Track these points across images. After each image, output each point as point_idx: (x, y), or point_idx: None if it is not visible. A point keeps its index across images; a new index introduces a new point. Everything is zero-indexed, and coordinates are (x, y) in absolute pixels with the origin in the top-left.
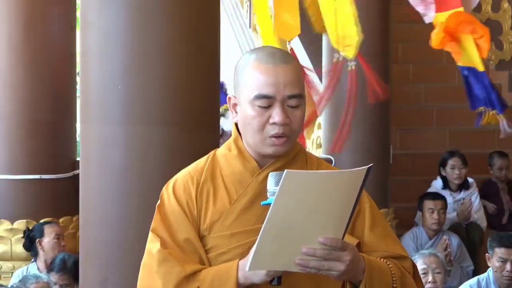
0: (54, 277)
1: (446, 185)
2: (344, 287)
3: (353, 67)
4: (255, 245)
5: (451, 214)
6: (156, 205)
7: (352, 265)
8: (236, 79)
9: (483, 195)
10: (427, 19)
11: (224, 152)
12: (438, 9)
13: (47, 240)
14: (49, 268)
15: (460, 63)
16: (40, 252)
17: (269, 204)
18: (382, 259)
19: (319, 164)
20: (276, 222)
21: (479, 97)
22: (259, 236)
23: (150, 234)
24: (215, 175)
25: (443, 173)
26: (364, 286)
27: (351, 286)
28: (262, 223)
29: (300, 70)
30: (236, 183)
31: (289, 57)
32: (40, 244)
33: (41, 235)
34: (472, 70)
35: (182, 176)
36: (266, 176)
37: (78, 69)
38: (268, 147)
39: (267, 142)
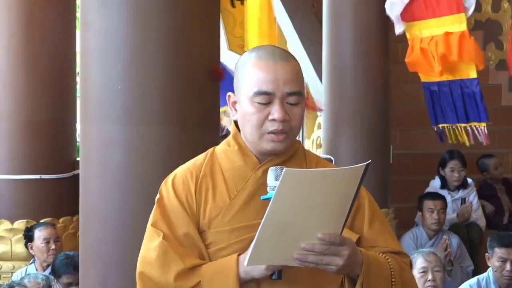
0: (69, 278)
1: (444, 185)
2: (343, 282)
3: None
4: (253, 241)
5: (450, 215)
6: (156, 199)
7: (350, 259)
8: (236, 77)
9: (481, 197)
10: (396, 30)
11: (223, 148)
12: (439, 14)
13: (36, 245)
14: (57, 275)
15: (426, 79)
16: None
17: (268, 199)
18: (381, 254)
19: (318, 162)
20: (275, 218)
21: (442, 112)
22: (257, 232)
23: (150, 229)
24: (215, 171)
25: (442, 173)
26: (362, 280)
27: (349, 280)
28: (262, 218)
29: (300, 68)
30: (236, 178)
31: (289, 55)
32: (31, 248)
33: (32, 238)
34: (449, 83)
35: (181, 171)
36: (265, 171)
37: (78, 69)
38: (266, 143)
39: (265, 138)
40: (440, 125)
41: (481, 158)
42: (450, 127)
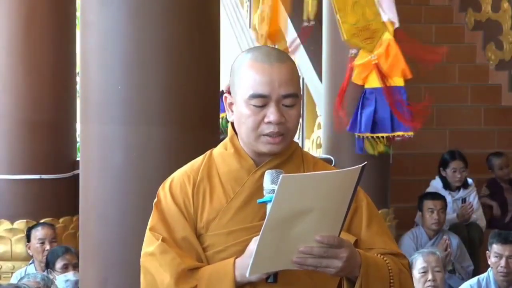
0: (63, 260)
1: (445, 185)
2: (341, 283)
3: (353, 55)
4: (254, 251)
5: (450, 215)
6: (154, 203)
7: (348, 261)
8: (232, 78)
9: (489, 194)
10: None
11: (220, 151)
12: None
13: (32, 245)
14: (51, 264)
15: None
16: None
17: (265, 202)
18: (379, 255)
19: (315, 163)
20: (274, 226)
21: (362, 120)
22: (257, 242)
23: (148, 233)
24: (212, 174)
25: (443, 174)
26: (360, 282)
27: (347, 281)
28: (259, 220)
29: (295, 69)
30: (233, 181)
31: (285, 56)
32: (29, 248)
33: (29, 239)
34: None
35: (179, 175)
36: (262, 174)
37: (78, 69)
38: (263, 145)
39: (261, 140)
40: (361, 134)
41: (490, 155)
42: (370, 137)
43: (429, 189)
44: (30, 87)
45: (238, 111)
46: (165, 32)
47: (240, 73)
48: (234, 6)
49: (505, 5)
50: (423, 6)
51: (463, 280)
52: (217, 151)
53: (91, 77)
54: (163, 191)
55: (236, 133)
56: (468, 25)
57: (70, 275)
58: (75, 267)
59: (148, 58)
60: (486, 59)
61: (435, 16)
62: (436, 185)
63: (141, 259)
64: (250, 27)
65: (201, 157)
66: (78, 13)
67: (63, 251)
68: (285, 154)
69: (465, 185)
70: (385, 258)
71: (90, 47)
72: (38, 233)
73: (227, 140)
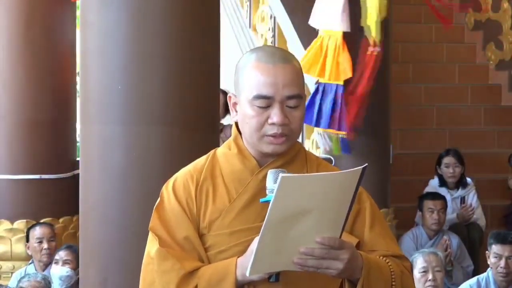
0: (60, 254)
1: (443, 183)
2: (342, 284)
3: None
4: (254, 251)
5: (450, 215)
6: (156, 203)
7: (350, 263)
8: (236, 78)
9: None
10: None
11: (224, 151)
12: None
13: (31, 244)
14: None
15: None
16: None
17: (267, 201)
18: (381, 257)
19: (319, 164)
20: (273, 226)
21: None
22: (257, 242)
23: (150, 234)
24: (215, 174)
25: (439, 172)
26: (362, 284)
27: (349, 283)
28: (262, 221)
29: (300, 69)
30: (236, 182)
31: (289, 57)
32: (28, 248)
33: (28, 239)
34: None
35: (182, 174)
36: (266, 175)
37: (78, 69)
38: (266, 145)
39: (264, 140)
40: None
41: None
42: (327, 134)
43: (427, 188)
44: (30, 87)
45: (242, 111)
46: (165, 33)
47: (244, 74)
48: (234, 6)
49: (505, 5)
50: (423, 6)
51: (454, 285)
52: (221, 151)
53: (91, 77)
54: (167, 190)
55: (240, 133)
56: (468, 25)
57: (64, 271)
58: (67, 263)
59: (148, 58)
60: (486, 59)
61: (435, 16)
62: (434, 184)
63: (143, 260)
64: (250, 27)
65: (204, 156)
66: (78, 13)
67: (66, 246)
68: (289, 155)
69: (464, 184)
70: (387, 260)
71: (90, 47)
72: (36, 232)
73: (230, 140)
